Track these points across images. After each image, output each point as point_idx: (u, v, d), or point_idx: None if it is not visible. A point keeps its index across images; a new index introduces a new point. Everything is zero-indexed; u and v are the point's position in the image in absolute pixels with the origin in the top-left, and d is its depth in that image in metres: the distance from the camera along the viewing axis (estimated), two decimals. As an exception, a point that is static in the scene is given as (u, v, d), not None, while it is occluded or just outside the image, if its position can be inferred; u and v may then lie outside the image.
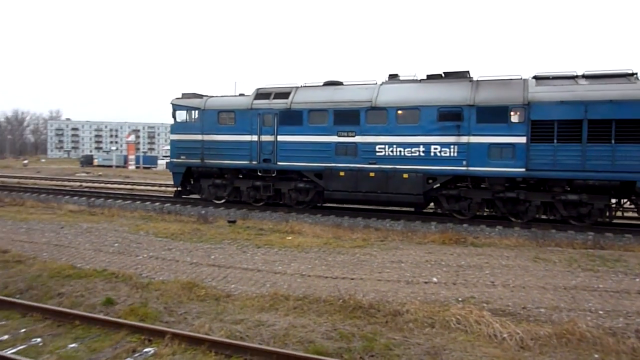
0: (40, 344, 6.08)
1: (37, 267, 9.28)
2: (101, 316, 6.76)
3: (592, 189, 13.71)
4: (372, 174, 15.62)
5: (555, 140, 13.72)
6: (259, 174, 17.65)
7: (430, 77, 16.04)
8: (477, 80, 15.15)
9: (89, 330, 6.47)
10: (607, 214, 14.09)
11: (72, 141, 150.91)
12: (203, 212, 16.74)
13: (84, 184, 30.86)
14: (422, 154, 15.08)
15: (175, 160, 18.94)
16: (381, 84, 16.34)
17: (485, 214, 15.54)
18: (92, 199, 19.92)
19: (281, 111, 16.92)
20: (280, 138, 16.90)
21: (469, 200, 15.04)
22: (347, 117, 15.97)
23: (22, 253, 10.47)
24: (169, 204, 18.34)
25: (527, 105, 13.96)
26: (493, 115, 14.35)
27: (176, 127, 19.08)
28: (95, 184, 31.72)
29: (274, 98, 17.24)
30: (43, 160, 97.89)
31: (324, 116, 16.34)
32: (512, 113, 14.18)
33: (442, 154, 14.87)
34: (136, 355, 5.72)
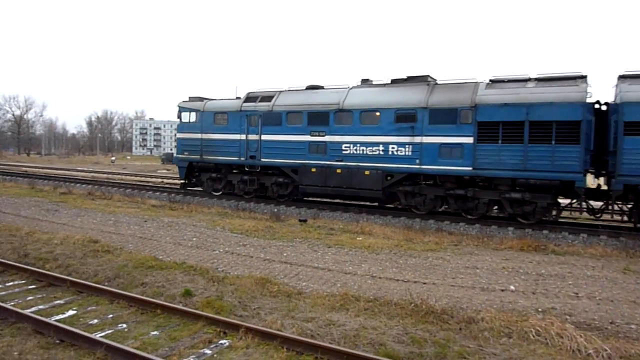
0: (126, 329, 6.48)
1: (123, 257, 9.90)
2: (180, 307, 7.08)
3: (534, 187, 14.19)
4: (338, 171, 17.12)
5: (499, 141, 14.36)
6: (247, 169, 19.54)
7: (394, 82, 17.24)
8: (434, 84, 16.20)
9: (169, 320, 6.81)
10: (553, 212, 14.57)
11: (155, 139, 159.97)
12: (275, 210, 17.13)
13: (165, 180, 32.56)
14: (381, 152, 16.34)
15: (179, 156, 21.41)
16: (350, 88, 17.69)
17: (440, 209, 16.34)
18: (173, 194, 20.98)
19: (264, 113, 18.76)
20: (263, 137, 18.78)
21: (423, 196, 16.06)
22: (319, 119, 17.51)
23: (110, 243, 11.21)
24: (243, 202, 18.93)
25: (474, 108, 14.64)
26: (444, 117, 15.20)
27: (181, 127, 21.42)
28: (175, 181, 33.35)
29: (259, 101, 19.16)
30: (128, 157, 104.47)
31: (300, 117, 17.94)
32: (460, 115, 14.91)
33: (399, 153, 16.02)
34: (212, 346, 5.94)
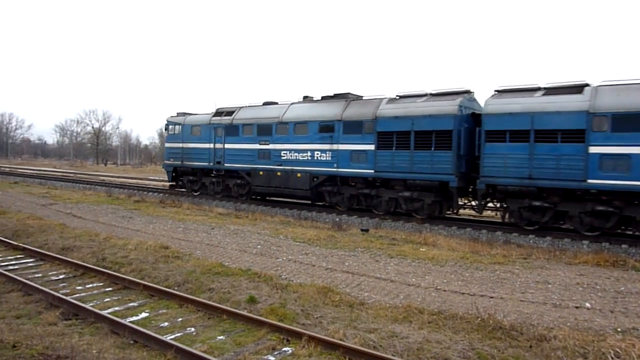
0: (194, 333, 6.72)
1: (191, 263, 10.30)
2: (245, 313, 7.24)
3: (420, 187, 16.59)
4: (279, 173, 20.32)
5: (394, 148, 16.99)
6: (214, 172, 23.53)
7: (324, 98, 20.39)
8: (351, 100, 19.10)
9: (234, 325, 6.99)
10: (439, 208, 16.78)
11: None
12: (337, 219, 17.18)
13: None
14: (309, 158, 19.45)
15: (166, 162, 26.17)
16: (291, 104, 20.93)
17: (356, 207, 18.83)
18: (238, 203, 21.59)
19: (227, 125, 22.57)
20: (226, 146, 22.56)
21: (342, 195, 18.93)
22: (265, 130, 20.97)
23: (179, 250, 11.70)
24: (305, 211, 19.16)
25: (375, 120, 17.41)
26: (353, 128, 18.10)
27: (168, 138, 26.19)
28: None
29: (224, 115, 22.95)
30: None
31: (252, 129, 21.52)
32: (365, 126, 17.73)
33: (321, 158, 19.08)
34: (276, 353, 6.03)
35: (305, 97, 21.39)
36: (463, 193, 16.61)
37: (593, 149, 13.37)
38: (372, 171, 17.50)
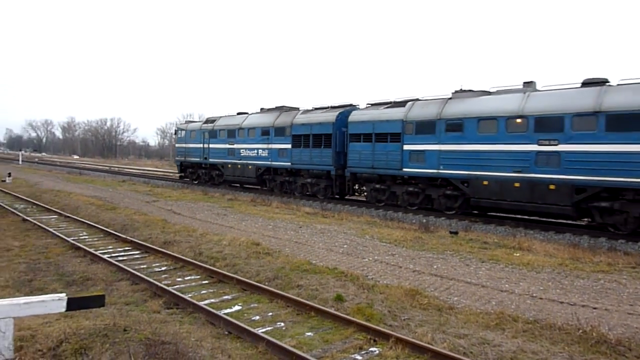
0: (283, 328, 6.95)
1: (281, 260, 10.62)
2: (333, 311, 7.35)
3: (317, 175, 23.13)
4: (239, 166, 27.73)
5: (302, 146, 23.40)
6: (203, 166, 31.68)
7: (269, 110, 27.60)
8: (282, 111, 25.98)
9: (322, 322, 7.12)
10: (330, 191, 22.75)
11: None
12: (424, 220, 16.83)
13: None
14: (255, 154, 26.59)
15: (177, 158, 35.28)
16: (250, 114, 28.45)
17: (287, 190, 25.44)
18: (324, 202, 21.92)
19: (210, 130, 30.41)
20: (211, 146, 30.32)
21: (275, 181, 25.85)
22: (232, 133, 28.48)
23: (269, 247, 12.13)
24: (391, 212, 19.00)
25: (291, 126, 24.12)
26: (280, 132, 24.90)
27: (177, 140, 35.01)
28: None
29: (209, 123, 31.03)
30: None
31: (224, 133, 29.11)
32: (286, 131, 24.46)
33: (262, 154, 26.06)
34: (363, 352, 6.06)
35: (261, 109, 28.65)
36: (342, 179, 22.21)
37: (405, 147, 18.85)
38: (290, 164, 24.32)
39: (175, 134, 35.62)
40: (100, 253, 11.23)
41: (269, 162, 25.52)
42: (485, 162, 16.26)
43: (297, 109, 26.04)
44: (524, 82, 16.85)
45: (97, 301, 5.47)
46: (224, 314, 7.21)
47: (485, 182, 16.23)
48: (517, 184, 15.40)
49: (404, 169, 18.74)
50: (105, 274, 9.62)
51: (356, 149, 20.77)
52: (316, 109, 24.24)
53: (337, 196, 23.02)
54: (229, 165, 28.45)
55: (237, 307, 7.82)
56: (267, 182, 26.31)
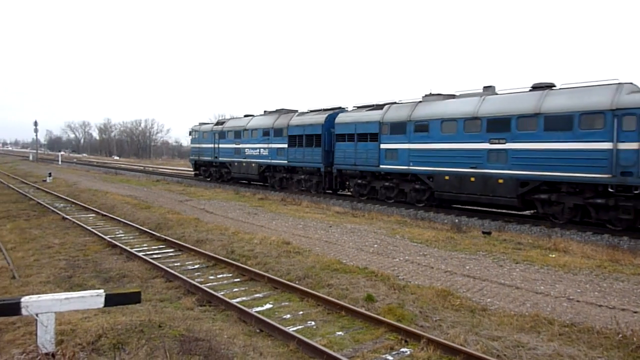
0: (314, 327, 6.97)
1: (311, 259, 10.66)
2: (363, 311, 7.33)
3: (310, 172, 25.54)
4: (244, 164, 30.52)
5: (296, 146, 25.69)
6: (214, 163, 34.68)
7: (270, 112, 29.85)
8: (281, 114, 28.25)
9: (352, 322, 7.12)
10: (321, 186, 24.84)
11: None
12: (456, 220, 16.60)
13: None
14: (258, 153, 29.21)
15: (191, 157, 38.89)
16: (254, 116, 31.11)
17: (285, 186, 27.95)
18: (354, 202, 21.88)
19: (220, 131, 33.26)
20: (220, 145, 33.21)
21: (274, 178, 28.19)
22: (238, 134, 31.19)
23: (300, 246, 12.18)
24: (422, 211, 18.81)
25: (287, 127, 26.35)
26: (278, 133, 27.25)
27: (191, 140, 38.67)
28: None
29: (219, 124, 34.02)
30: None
31: (232, 134, 31.91)
32: (283, 131, 26.67)
33: (263, 153, 28.62)
34: (394, 353, 6.03)
35: (265, 111, 30.86)
36: (331, 175, 24.27)
37: (382, 146, 20.84)
38: (287, 162, 26.71)
39: (189, 134, 38.47)
40: (135, 251, 11.53)
41: (269, 160, 28.14)
42: (446, 159, 18.20)
43: (295, 111, 27.97)
44: (484, 87, 18.49)
45: (134, 298, 5.62)
46: (256, 312, 7.29)
47: (447, 177, 18.25)
48: (472, 179, 17.31)
49: (381, 166, 20.86)
50: (141, 271, 9.86)
51: (341, 147, 22.96)
52: (311, 111, 26.45)
53: (330, 191, 25.02)
54: (235, 163, 31.33)
55: (268, 305, 7.89)
56: (268, 178, 28.78)
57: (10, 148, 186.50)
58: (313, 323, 7.11)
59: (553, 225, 15.22)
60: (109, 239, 12.81)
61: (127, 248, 11.73)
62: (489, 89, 18.24)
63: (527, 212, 17.51)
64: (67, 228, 15.16)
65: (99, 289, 7.58)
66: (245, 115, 32.48)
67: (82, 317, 6.68)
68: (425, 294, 8.22)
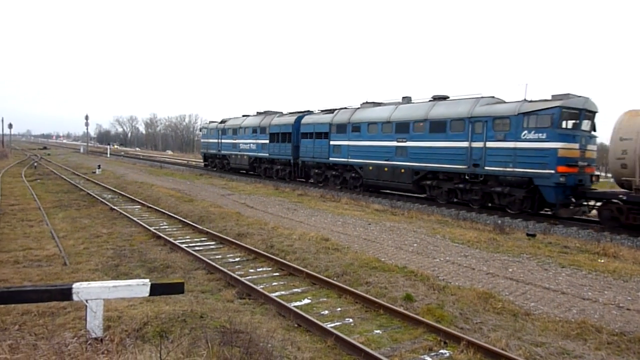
0: (352, 324, 6.97)
1: (350, 256, 10.65)
2: (402, 310, 7.27)
3: (284, 163, 30.99)
4: (239, 156, 35.75)
5: (275, 141, 30.99)
6: (218, 156, 39.79)
7: (259, 113, 34.96)
8: (266, 115, 33.56)
9: (391, 321, 7.07)
10: (293, 175, 30.28)
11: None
12: (499, 221, 16.19)
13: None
14: (249, 147, 34.28)
15: (201, 150, 44.38)
16: (248, 117, 36.09)
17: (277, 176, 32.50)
18: (394, 200, 21.69)
19: (222, 129, 38.45)
20: (222, 141, 38.55)
21: (262, 168, 33.36)
22: (235, 131, 36.47)
23: (338, 242, 12.19)
24: (464, 211, 18.45)
25: (269, 126, 31.55)
26: (262, 130, 32.43)
27: (202, 136, 45.33)
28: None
29: (222, 123, 39.00)
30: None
31: (232, 131, 36.93)
32: (266, 129, 31.93)
33: (253, 147, 33.74)
34: (432, 354, 5.95)
35: (257, 112, 35.53)
36: (297, 166, 29.48)
37: (331, 142, 25.94)
38: (268, 155, 31.78)
39: (200, 131, 46.44)
40: (179, 242, 11.84)
41: (256, 153, 33.44)
42: (371, 153, 23.32)
43: (279, 112, 33.40)
44: (402, 97, 23.72)
45: (177, 288, 5.77)
46: (294, 306, 7.35)
47: (371, 168, 23.37)
48: (386, 169, 22.38)
49: (330, 158, 26.28)
50: (184, 262, 10.13)
51: (305, 143, 28.28)
52: (287, 113, 32.10)
53: (302, 179, 30.01)
54: (233, 156, 37.01)
55: (306, 301, 7.94)
56: (256, 168, 34.23)
57: (64, 141, 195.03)
58: (351, 320, 7.11)
59: (602, 229, 14.63)
60: (153, 230, 13.21)
61: (171, 240, 12.06)
62: (405, 99, 23.46)
63: (564, 216, 16.52)
64: (114, 218, 15.73)
65: (144, 278, 7.84)
66: (243, 115, 37.77)
67: (128, 305, 6.92)
68: (466, 296, 8.07)
